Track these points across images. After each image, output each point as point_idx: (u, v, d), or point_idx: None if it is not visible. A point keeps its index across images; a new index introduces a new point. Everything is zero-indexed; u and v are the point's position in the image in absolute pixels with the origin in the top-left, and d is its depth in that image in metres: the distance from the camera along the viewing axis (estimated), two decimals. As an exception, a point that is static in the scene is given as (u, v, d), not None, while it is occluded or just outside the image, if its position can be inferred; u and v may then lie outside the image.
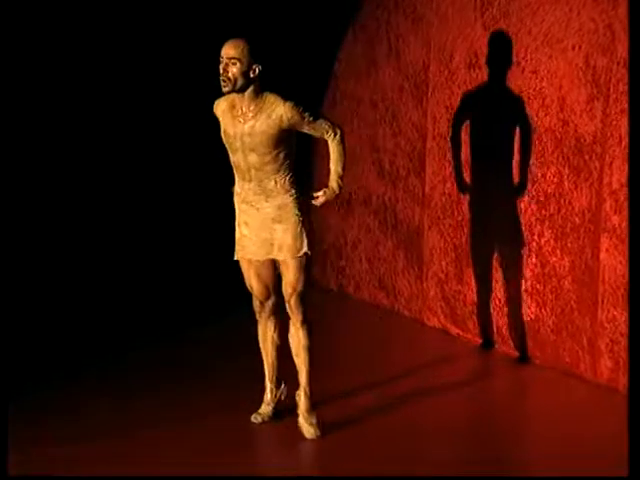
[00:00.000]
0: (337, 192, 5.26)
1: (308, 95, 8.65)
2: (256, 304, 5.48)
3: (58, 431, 5.40)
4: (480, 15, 6.90)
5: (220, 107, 5.23)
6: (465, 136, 7.09)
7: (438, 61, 7.34)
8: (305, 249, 5.17)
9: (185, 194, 9.05)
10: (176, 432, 5.39)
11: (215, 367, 6.52)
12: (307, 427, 5.33)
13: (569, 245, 6.26)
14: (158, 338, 7.18)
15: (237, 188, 5.28)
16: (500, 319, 6.87)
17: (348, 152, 5.40)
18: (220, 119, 5.23)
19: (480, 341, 7.07)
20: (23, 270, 8.05)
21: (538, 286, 6.52)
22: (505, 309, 6.82)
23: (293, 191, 5.20)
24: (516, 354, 6.75)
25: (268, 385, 5.59)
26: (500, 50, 6.69)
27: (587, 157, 6.08)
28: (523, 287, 6.64)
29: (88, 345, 7.06)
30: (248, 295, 5.50)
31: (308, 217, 5.26)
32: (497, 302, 6.90)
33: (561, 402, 5.93)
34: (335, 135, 5.19)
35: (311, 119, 5.10)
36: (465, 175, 7.11)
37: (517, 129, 6.60)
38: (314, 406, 5.38)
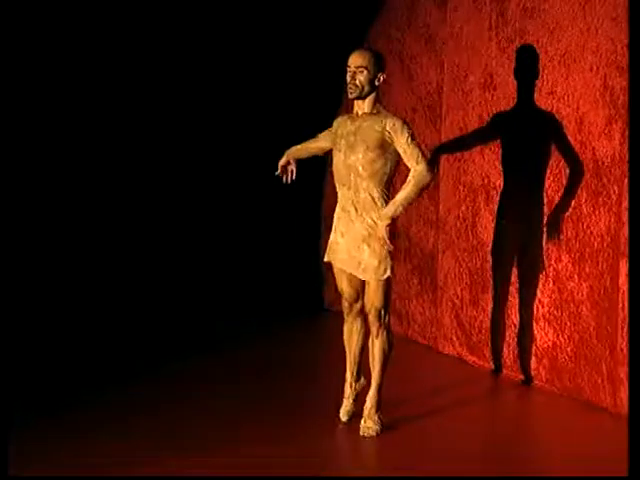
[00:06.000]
0: (389, 216, 5.40)
1: (320, 115, 8.65)
2: (345, 305, 5.76)
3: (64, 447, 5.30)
4: (495, 35, 6.83)
5: (339, 117, 5.69)
6: (480, 158, 6.98)
7: (452, 82, 7.27)
8: (388, 273, 5.45)
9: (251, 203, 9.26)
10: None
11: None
12: (365, 425, 5.57)
13: (587, 270, 6.14)
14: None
15: (338, 197, 5.59)
16: (517, 346, 6.76)
17: None
18: (334, 127, 5.64)
19: (495, 369, 6.95)
20: (50, 282, 8.48)
21: (556, 312, 6.41)
22: (521, 336, 6.71)
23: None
24: (533, 382, 6.63)
25: (348, 378, 5.83)
26: (516, 70, 6.63)
27: (605, 180, 5.98)
28: (540, 313, 6.52)
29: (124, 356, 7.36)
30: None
31: (393, 239, 5.49)
32: (513, 329, 6.79)
33: (581, 432, 5.77)
34: (418, 165, 5.36)
35: (410, 140, 5.36)
36: (480, 197, 7.00)
37: (533, 151, 6.51)
38: (379, 405, 5.62)
